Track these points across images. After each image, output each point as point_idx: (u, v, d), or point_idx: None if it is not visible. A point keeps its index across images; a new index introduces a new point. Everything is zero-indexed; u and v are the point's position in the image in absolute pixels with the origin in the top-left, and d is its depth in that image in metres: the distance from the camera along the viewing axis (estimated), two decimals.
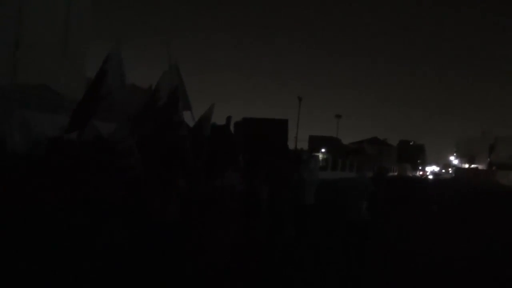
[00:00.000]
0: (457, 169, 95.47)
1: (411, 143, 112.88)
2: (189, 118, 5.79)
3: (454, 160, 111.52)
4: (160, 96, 5.24)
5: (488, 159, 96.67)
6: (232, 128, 7.02)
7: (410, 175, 54.61)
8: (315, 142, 67.53)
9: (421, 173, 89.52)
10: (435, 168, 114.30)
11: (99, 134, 4.92)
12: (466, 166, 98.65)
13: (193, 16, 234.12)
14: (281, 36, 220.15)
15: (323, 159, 47.02)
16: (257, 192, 5.96)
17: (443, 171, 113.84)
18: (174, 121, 5.15)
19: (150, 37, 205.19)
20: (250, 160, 6.58)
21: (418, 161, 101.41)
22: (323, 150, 61.88)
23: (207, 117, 5.98)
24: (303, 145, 60.36)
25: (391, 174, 62.89)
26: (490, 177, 74.78)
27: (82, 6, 19.76)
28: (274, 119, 8.46)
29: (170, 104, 5.22)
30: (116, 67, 4.81)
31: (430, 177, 65.06)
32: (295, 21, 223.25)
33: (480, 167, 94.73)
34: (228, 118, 6.82)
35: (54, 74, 16.29)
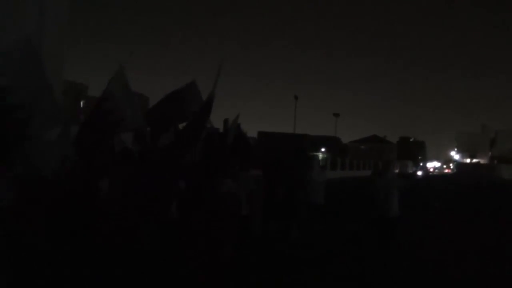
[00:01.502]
0: (459, 164, 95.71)
1: (411, 140, 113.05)
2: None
3: (455, 156, 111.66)
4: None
5: (490, 153, 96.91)
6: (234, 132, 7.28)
7: (411, 172, 54.44)
8: (315, 142, 67.65)
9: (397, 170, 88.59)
10: (436, 164, 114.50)
11: (125, 145, 5.18)
12: (468, 161, 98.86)
13: (186, 20, 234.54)
14: (277, 34, 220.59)
15: (323, 159, 47.15)
16: (276, 193, 6.13)
17: (444, 166, 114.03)
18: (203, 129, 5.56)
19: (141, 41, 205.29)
20: (269, 163, 6.91)
21: (419, 157, 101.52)
22: (322, 149, 62.02)
23: (233, 124, 6.33)
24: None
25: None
26: (492, 171, 74.97)
27: (58, 7, 19.49)
28: (292, 134, 8.78)
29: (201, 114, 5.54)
30: (121, 90, 5.04)
31: (419, 173, 62.04)
32: (291, 19, 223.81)
33: (482, 161, 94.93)
34: (225, 121, 7.02)
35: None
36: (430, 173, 73.85)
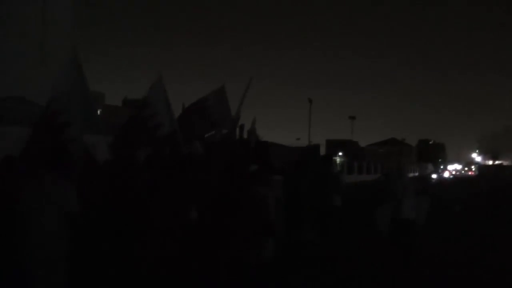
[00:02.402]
0: (480, 166, 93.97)
1: (430, 142, 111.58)
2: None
3: (477, 157, 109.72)
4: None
5: None
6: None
7: (434, 175, 53.75)
8: (333, 146, 67.31)
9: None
10: (457, 166, 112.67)
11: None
12: (490, 162, 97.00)
13: (196, 23, 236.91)
14: (289, 36, 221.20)
15: (340, 163, 46.86)
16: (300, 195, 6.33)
17: (466, 168, 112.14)
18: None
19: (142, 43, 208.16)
20: (291, 167, 7.18)
21: (439, 160, 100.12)
22: (340, 153, 61.64)
23: (253, 131, 6.75)
24: (321, 149, 60.29)
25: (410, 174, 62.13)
26: None
27: (61, 10, 18.38)
28: (307, 146, 9.04)
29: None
30: (159, 98, 5.39)
31: (434, 176, 60.09)
32: (305, 22, 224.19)
33: (505, 163, 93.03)
34: (242, 127, 7.35)
35: (31, 83, 15.11)
36: (452, 176, 72.77)
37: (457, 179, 62.29)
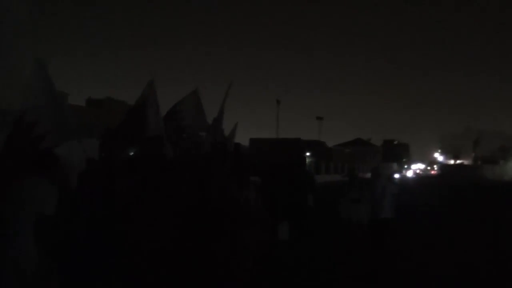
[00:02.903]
0: (443, 165, 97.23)
1: (395, 143, 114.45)
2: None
3: (439, 157, 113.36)
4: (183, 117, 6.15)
5: (473, 154, 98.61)
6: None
7: (396, 175, 55.24)
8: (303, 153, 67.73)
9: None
10: (420, 166, 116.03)
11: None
12: (452, 162, 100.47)
13: (172, 30, 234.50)
14: (255, 35, 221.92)
15: (308, 163, 47.39)
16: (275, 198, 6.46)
17: (429, 168, 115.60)
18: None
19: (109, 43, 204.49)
20: (267, 173, 7.31)
21: (404, 160, 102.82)
22: (308, 154, 62.25)
23: (231, 136, 6.81)
24: None
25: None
26: (475, 172, 76.36)
27: (19, 7, 18.76)
28: (286, 139, 9.07)
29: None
30: (152, 100, 5.53)
31: (409, 174, 61.00)
32: (269, 18, 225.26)
33: (466, 162, 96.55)
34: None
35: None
36: (415, 175, 75.04)
37: (420, 178, 64.23)
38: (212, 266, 4.79)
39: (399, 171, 63.33)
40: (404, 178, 56.83)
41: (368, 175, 8.59)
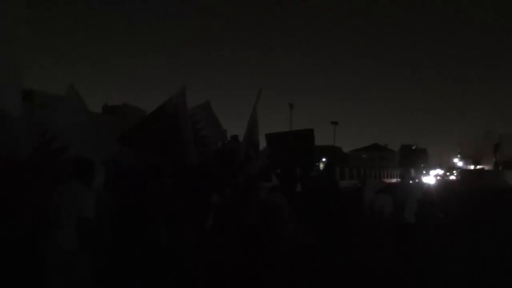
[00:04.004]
0: (462, 171, 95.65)
1: (413, 148, 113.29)
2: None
3: (458, 162, 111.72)
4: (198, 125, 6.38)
5: (494, 159, 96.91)
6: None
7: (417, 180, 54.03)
8: (316, 152, 67.46)
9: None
10: (439, 171, 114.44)
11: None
12: (472, 167, 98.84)
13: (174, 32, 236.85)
14: (271, 40, 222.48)
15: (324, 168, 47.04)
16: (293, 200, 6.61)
17: (448, 173, 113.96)
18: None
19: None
20: (284, 173, 7.39)
21: (422, 165, 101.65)
22: (323, 159, 61.97)
23: (246, 142, 6.98)
24: None
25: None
26: (496, 177, 74.81)
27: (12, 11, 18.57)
28: (299, 130, 9.02)
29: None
30: (182, 110, 5.72)
31: (431, 180, 59.79)
32: (285, 24, 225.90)
33: (486, 167, 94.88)
34: (235, 138, 7.61)
35: None
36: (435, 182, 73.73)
37: (438, 184, 63.00)
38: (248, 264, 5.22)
39: (417, 177, 62.55)
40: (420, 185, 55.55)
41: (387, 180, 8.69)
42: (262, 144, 7.74)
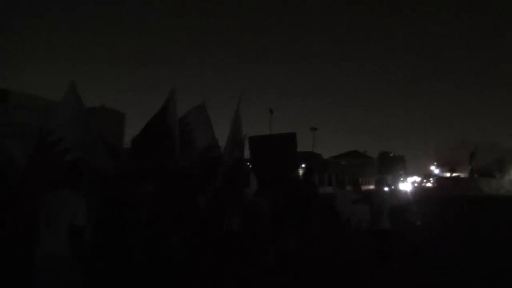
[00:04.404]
0: (439, 178, 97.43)
1: (391, 155, 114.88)
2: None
3: (435, 170, 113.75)
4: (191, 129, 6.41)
5: (469, 166, 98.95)
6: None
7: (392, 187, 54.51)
8: (297, 157, 67.72)
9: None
10: (416, 179, 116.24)
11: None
12: (448, 175, 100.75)
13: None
14: (251, 46, 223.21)
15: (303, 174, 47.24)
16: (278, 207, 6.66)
17: (425, 181, 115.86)
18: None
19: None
20: (265, 179, 7.45)
21: (400, 172, 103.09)
22: (303, 165, 62.29)
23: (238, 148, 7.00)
24: None
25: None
26: (472, 184, 76.54)
27: None
28: (282, 134, 9.03)
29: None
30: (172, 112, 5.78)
31: (407, 188, 60.62)
32: (264, 27, 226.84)
33: (462, 175, 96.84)
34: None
35: None
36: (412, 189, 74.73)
37: (416, 191, 63.81)
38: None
39: (393, 184, 63.08)
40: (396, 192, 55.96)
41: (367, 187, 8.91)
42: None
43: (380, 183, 8.29)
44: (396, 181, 57.62)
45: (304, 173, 9.03)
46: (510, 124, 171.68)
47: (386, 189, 8.86)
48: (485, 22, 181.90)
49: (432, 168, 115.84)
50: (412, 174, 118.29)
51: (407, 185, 71.97)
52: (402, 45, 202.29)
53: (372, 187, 46.37)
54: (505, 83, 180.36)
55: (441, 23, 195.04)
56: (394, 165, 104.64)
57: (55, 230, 4.07)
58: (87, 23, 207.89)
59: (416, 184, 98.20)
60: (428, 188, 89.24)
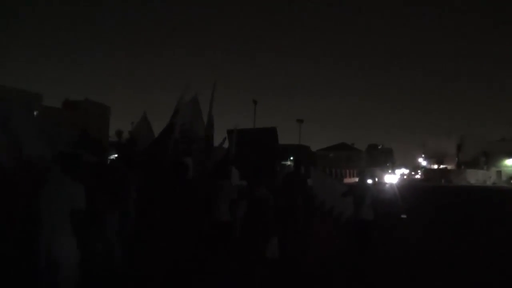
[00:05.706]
0: (426, 170, 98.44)
1: (379, 147, 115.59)
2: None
3: (423, 162, 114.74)
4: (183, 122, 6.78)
5: (456, 158, 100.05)
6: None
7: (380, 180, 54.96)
8: (283, 151, 67.86)
9: None
10: (405, 171, 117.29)
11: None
12: (435, 167, 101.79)
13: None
14: (237, 37, 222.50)
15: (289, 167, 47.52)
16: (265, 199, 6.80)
17: (413, 173, 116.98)
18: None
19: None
20: (249, 170, 7.69)
21: (388, 164, 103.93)
22: (291, 158, 62.41)
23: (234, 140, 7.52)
24: None
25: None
26: (459, 176, 77.63)
27: None
28: (262, 128, 9.27)
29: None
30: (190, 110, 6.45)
31: (394, 180, 60.19)
32: (250, 18, 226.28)
33: (449, 167, 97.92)
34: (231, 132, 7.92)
35: None
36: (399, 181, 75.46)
37: (404, 183, 64.48)
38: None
39: (377, 176, 63.53)
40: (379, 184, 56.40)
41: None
42: (218, 140, 7.93)
43: (363, 175, 8.49)
44: (382, 174, 58.06)
45: (293, 165, 9.33)
46: (496, 116, 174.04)
47: (369, 181, 9.06)
48: (469, 15, 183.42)
49: (420, 160, 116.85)
50: (400, 166, 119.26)
51: (394, 177, 72.64)
52: (389, 38, 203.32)
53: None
54: (493, 75, 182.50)
55: (427, 16, 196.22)
56: (382, 158, 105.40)
57: (56, 216, 4.27)
58: (75, 14, 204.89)
59: (405, 177, 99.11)
60: (416, 179, 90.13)
